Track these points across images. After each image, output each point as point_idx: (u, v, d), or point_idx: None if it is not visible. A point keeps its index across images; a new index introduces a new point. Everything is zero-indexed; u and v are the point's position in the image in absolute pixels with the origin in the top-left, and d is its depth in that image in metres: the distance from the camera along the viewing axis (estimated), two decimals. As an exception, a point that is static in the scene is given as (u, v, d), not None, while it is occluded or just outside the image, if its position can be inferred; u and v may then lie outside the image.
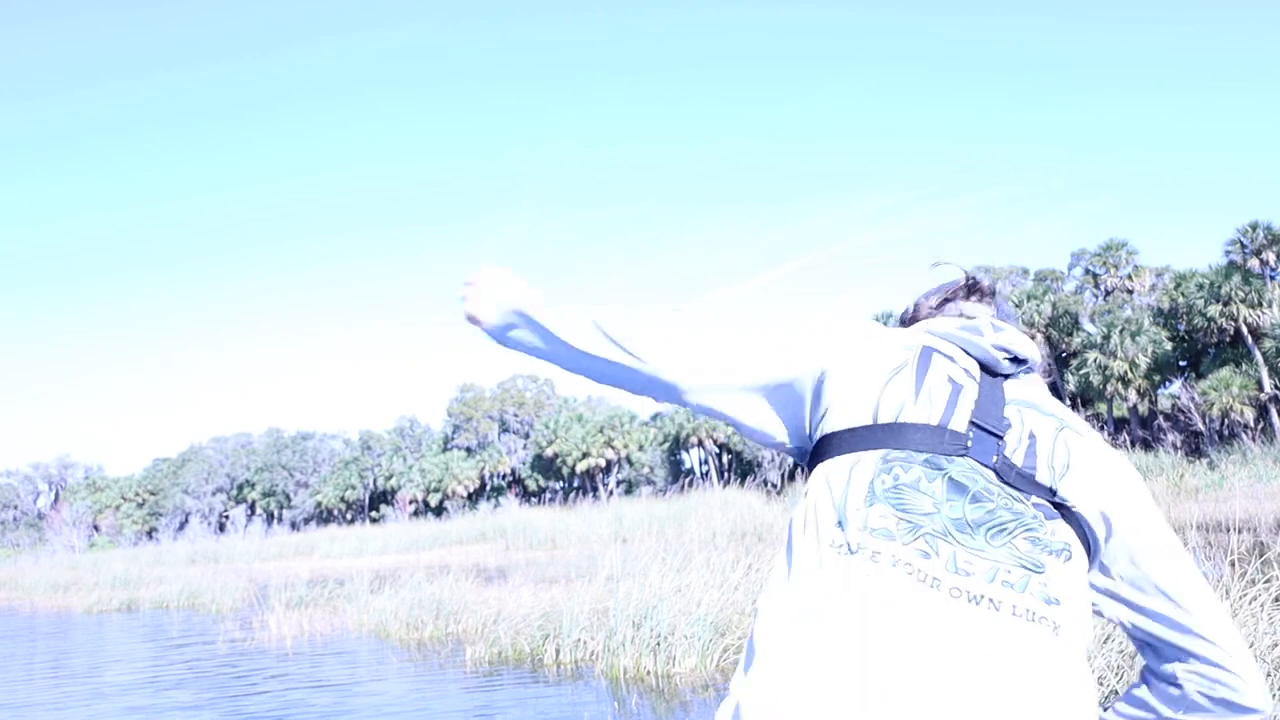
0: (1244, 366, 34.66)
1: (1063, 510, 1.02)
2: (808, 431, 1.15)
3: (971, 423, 1.04)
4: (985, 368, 1.13)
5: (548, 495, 59.40)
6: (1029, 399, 1.10)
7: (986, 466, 1.02)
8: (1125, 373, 37.14)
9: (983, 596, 0.92)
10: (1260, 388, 33.82)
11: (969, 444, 1.02)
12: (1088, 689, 0.93)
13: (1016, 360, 1.14)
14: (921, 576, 0.92)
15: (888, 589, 0.92)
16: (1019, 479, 1.01)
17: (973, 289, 1.27)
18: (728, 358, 1.14)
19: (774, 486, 44.80)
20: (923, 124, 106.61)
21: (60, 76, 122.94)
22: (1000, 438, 1.04)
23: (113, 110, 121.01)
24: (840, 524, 0.98)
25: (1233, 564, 5.35)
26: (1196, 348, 37.89)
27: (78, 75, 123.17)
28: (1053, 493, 1.02)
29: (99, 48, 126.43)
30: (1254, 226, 35.79)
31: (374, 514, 64.20)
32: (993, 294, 1.27)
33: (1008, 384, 1.11)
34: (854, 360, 1.10)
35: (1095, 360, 37.89)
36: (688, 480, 49.82)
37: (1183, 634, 1.07)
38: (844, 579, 0.93)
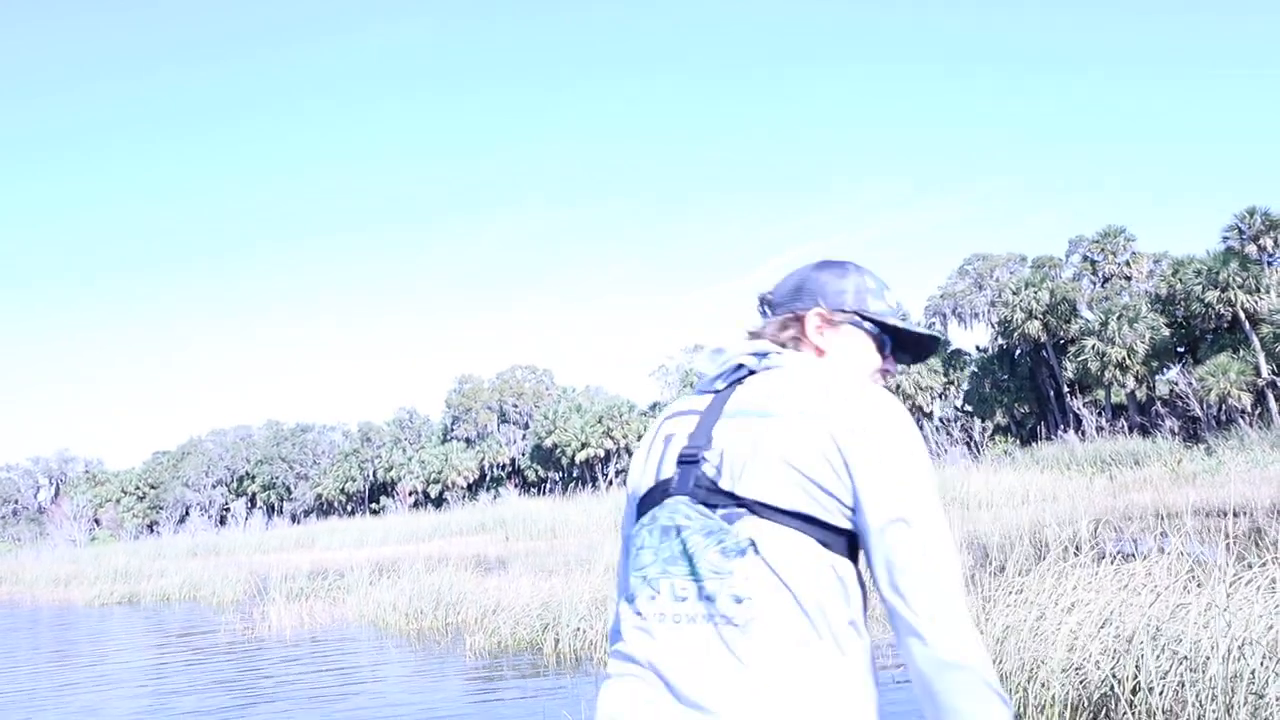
0: (1241, 352, 34.69)
1: (752, 505, 1.10)
2: None
3: (678, 461, 1.18)
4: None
5: (547, 486, 59.49)
6: (747, 405, 1.17)
7: (684, 494, 1.15)
8: (1123, 359, 37.19)
9: (695, 616, 1.08)
10: (1258, 373, 33.86)
11: (673, 485, 1.17)
12: (788, 670, 1.03)
13: (760, 355, 1.24)
14: (650, 615, 1.13)
15: (632, 642, 1.14)
16: (710, 494, 1.13)
17: (764, 303, 1.37)
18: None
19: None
20: (920, 116, 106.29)
21: (60, 76, 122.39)
22: (696, 463, 1.16)
23: (113, 110, 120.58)
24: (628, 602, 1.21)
25: (1228, 547, 5.38)
26: (1194, 334, 37.90)
27: (78, 75, 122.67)
28: (735, 497, 1.11)
29: (99, 48, 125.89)
30: (1251, 212, 35.80)
31: (374, 505, 64.32)
32: (776, 300, 1.34)
33: (750, 383, 1.20)
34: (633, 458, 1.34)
35: (1093, 347, 37.93)
36: (687, 470, 49.73)
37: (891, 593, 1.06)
38: (623, 649, 1.17)
